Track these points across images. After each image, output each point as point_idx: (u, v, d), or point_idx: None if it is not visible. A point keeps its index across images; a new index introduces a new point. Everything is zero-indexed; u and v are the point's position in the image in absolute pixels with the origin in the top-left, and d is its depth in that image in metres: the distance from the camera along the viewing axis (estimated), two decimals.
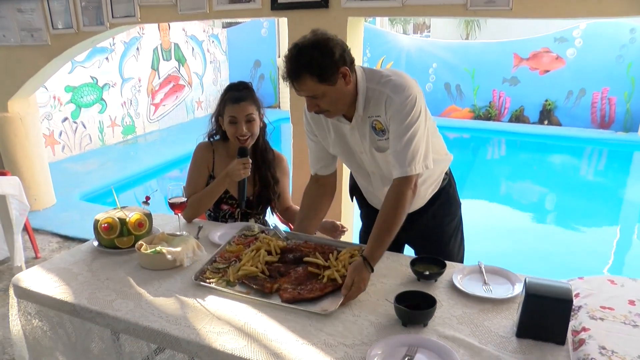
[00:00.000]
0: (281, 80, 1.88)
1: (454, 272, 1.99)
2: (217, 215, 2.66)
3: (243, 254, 2.05)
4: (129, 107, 8.33)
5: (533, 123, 9.26)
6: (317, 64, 1.74)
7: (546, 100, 9.07)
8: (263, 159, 2.64)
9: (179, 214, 2.39)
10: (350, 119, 1.95)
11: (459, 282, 1.93)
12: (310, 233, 2.23)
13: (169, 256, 2.03)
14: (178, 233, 2.36)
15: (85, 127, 7.49)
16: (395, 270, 2.04)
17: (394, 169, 1.87)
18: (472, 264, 2.08)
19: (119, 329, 1.77)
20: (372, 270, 1.80)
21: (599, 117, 8.77)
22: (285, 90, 10.40)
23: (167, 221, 2.56)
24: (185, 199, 2.35)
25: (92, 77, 7.51)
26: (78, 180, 6.16)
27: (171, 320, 1.72)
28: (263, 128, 2.64)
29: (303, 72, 1.76)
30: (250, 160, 2.41)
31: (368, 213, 2.48)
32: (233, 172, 2.39)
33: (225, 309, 1.78)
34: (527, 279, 1.62)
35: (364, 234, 2.57)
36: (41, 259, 4.22)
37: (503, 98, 9.37)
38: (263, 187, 2.64)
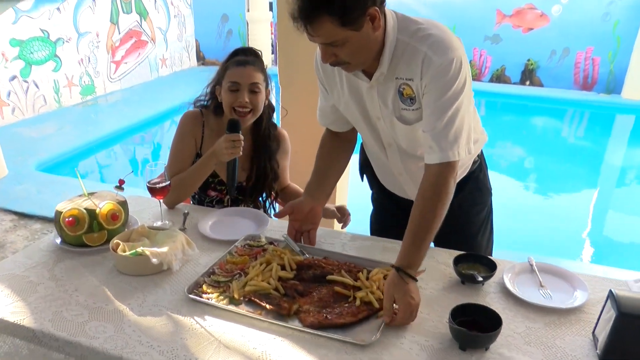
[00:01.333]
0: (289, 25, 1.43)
1: (502, 271, 1.65)
2: (203, 200, 2.23)
3: (249, 266, 1.65)
4: (87, 64, 7.62)
5: (514, 83, 8.97)
6: (340, 1, 1.35)
7: (528, 60, 8.77)
8: (264, 146, 2.20)
9: (161, 200, 1.97)
10: (369, 76, 1.58)
11: (511, 285, 1.60)
12: (327, 197, 1.91)
13: (154, 260, 1.62)
14: (160, 224, 1.95)
15: (37, 86, 6.78)
16: (432, 269, 1.69)
17: (431, 152, 1.53)
18: None
19: None
20: (416, 279, 1.45)
21: (582, 78, 8.54)
22: (256, 45, 9.76)
23: (144, 206, 2.14)
24: (168, 182, 1.91)
25: (42, 30, 6.76)
26: (33, 147, 5.55)
27: (166, 350, 1.33)
28: (269, 109, 2.20)
29: (321, 12, 1.36)
30: (242, 137, 1.97)
31: (379, 197, 2.11)
32: (220, 150, 1.96)
33: (234, 333, 1.40)
34: (613, 292, 1.34)
35: (375, 222, 2.21)
36: None
37: (484, 57, 9.03)
38: (259, 178, 2.21)
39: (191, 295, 1.52)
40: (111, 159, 6.34)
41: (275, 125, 2.25)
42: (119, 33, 8.21)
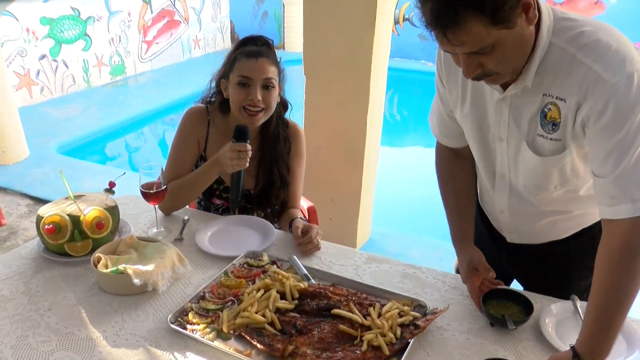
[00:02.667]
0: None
1: (540, 312, 1.40)
2: (209, 208, 2.02)
3: (245, 292, 1.43)
4: (118, 44, 7.51)
5: None
6: None
7: None
8: (273, 149, 1.95)
9: (156, 206, 1.77)
10: (504, 85, 1.27)
11: (550, 334, 1.34)
12: (468, 235, 1.57)
13: (135, 280, 1.42)
14: (155, 232, 1.76)
15: (67, 66, 6.70)
16: (457, 305, 1.45)
17: (615, 203, 1.16)
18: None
19: None
20: None
21: None
22: (292, 28, 9.53)
23: (142, 208, 1.94)
24: (164, 187, 1.71)
25: (72, 9, 6.65)
26: (56, 128, 5.46)
27: None
28: (281, 105, 1.95)
29: (467, 11, 1.04)
30: (250, 148, 1.73)
31: (478, 220, 1.71)
32: (224, 161, 1.73)
33: None
34: None
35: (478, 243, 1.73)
36: (6, 226, 3.61)
37: None
38: (266, 186, 1.97)
39: (174, 326, 1.31)
40: (138, 142, 6.23)
41: (287, 122, 1.97)
42: (152, 12, 8.07)
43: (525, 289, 1.59)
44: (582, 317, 1.37)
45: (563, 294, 1.48)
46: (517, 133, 1.31)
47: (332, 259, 1.68)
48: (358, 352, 1.25)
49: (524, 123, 1.29)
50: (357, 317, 1.35)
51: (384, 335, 1.29)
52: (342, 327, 1.32)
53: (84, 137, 5.39)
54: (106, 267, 1.48)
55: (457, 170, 1.58)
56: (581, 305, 1.42)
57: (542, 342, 1.33)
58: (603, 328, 1.13)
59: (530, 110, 1.26)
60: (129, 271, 1.43)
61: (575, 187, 1.39)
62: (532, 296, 1.49)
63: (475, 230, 1.73)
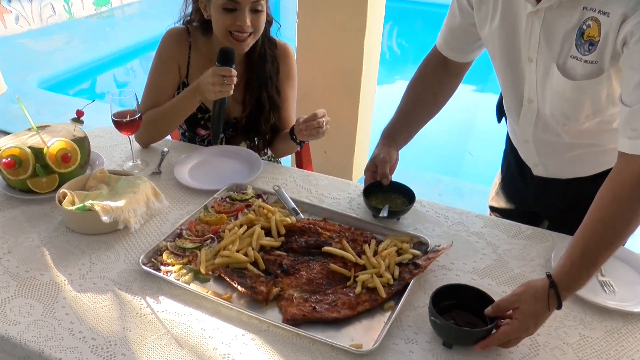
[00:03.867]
0: None
1: (554, 248, 1.28)
2: (194, 139, 1.86)
3: (225, 229, 1.29)
4: None
5: None
6: None
7: None
8: (260, 70, 1.75)
9: (130, 137, 1.60)
10: None
11: None
12: (416, 129, 1.52)
13: (104, 217, 1.27)
14: (131, 165, 1.61)
15: None
16: (462, 241, 1.32)
17: (636, 136, 1.03)
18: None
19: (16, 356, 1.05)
20: (560, 307, 1.01)
21: None
22: None
23: (117, 141, 1.78)
24: (139, 115, 1.54)
25: None
26: (37, 61, 5.18)
27: (100, 346, 1.02)
28: (268, 23, 1.73)
29: None
30: (235, 73, 1.54)
31: (508, 153, 1.61)
32: (205, 86, 1.54)
33: (192, 324, 1.06)
34: None
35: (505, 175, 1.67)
36: None
37: None
38: (255, 111, 1.79)
39: (146, 267, 1.18)
40: (126, 77, 5.96)
41: (275, 42, 1.77)
42: None
43: (550, 227, 1.45)
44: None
45: None
46: (547, 53, 1.17)
47: (323, 191, 1.53)
48: (351, 294, 1.12)
49: (556, 41, 1.14)
50: (350, 255, 1.21)
51: (380, 276, 1.16)
52: (333, 266, 1.18)
53: (67, 71, 5.13)
54: (73, 204, 1.33)
55: (434, 79, 1.49)
56: None
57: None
58: (588, 263, 1.02)
59: (565, 26, 1.12)
60: (97, 207, 1.28)
61: (610, 118, 1.22)
62: (547, 233, 1.36)
63: (503, 161, 1.62)
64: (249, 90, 1.76)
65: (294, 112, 1.85)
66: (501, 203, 1.66)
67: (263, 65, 1.73)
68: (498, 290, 1.19)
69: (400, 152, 1.48)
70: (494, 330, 1.00)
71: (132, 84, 5.64)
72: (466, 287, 1.09)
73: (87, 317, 1.07)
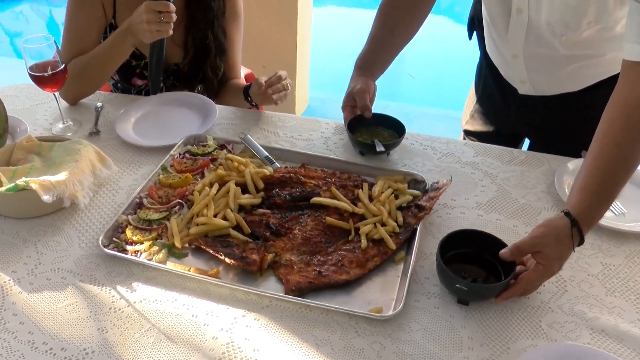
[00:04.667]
0: None
1: (552, 173, 1.20)
2: (128, 91, 1.60)
3: (194, 190, 1.10)
4: None
5: None
6: None
7: None
8: (204, 9, 1.48)
9: (55, 93, 1.34)
10: None
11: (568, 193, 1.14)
12: (392, 56, 1.36)
13: (45, 196, 1.05)
14: (61, 128, 1.37)
15: None
16: (458, 174, 1.21)
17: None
18: None
19: None
20: (582, 242, 0.90)
21: None
22: None
23: (38, 100, 1.50)
24: (63, 67, 1.28)
25: None
26: None
27: (74, 357, 0.83)
28: None
29: None
30: (174, 8, 1.28)
31: (484, 68, 1.47)
32: (138, 26, 1.28)
33: (180, 312, 0.90)
34: None
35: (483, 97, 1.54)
36: None
37: None
38: (198, 55, 1.54)
39: (109, 250, 0.98)
40: (15, 25, 5.29)
41: None
42: None
43: (532, 148, 1.36)
44: None
45: (573, 151, 1.25)
46: None
47: (293, 133, 1.36)
48: (357, 250, 0.98)
49: None
50: (345, 204, 1.06)
51: (383, 225, 1.02)
52: (329, 219, 1.04)
53: None
54: (0, 184, 1.09)
55: (407, 5, 1.32)
56: None
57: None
58: (607, 194, 0.92)
59: None
60: (34, 185, 1.05)
61: (613, 22, 1.09)
62: (541, 157, 1.27)
63: (478, 81, 1.50)
64: (191, 31, 1.51)
65: (240, 58, 1.64)
66: (477, 126, 1.56)
67: (207, 3, 1.47)
68: (508, 224, 1.09)
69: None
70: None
71: (25, 34, 5.02)
72: (473, 232, 0.97)
73: (49, 323, 0.88)
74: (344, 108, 1.30)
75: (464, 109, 1.62)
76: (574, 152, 1.24)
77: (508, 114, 1.43)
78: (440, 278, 0.93)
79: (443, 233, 1.01)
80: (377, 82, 1.34)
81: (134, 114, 1.41)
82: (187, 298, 0.92)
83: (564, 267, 0.91)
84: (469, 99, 1.59)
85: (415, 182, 1.16)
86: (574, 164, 1.20)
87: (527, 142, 1.56)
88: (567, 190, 1.14)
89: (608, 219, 1.08)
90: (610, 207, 1.11)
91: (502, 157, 1.29)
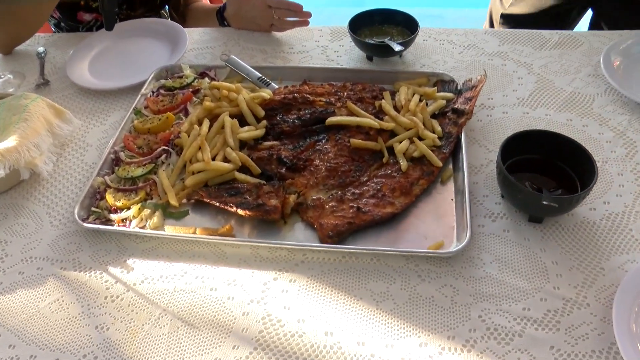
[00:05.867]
0: None
1: (596, 52, 1.04)
2: (76, 30, 1.33)
3: (180, 132, 0.88)
4: None
5: None
6: None
7: None
8: None
9: None
10: None
11: (618, 78, 0.97)
12: None
13: None
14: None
15: None
16: (487, 67, 1.02)
17: None
18: None
19: None
20: None
21: None
22: None
23: None
24: None
25: None
26: None
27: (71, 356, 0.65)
28: None
29: None
30: None
31: None
32: None
33: (193, 288, 0.71)
34: None
35: None
36: None
37: None
38: None
39: (89, 224, 0.78)
40: None
41: None
42: None
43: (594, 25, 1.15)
44: None
45: None
46: None
47: (282, 47, 1.14)
48: (396, 174, 0.79)
49: None
50: (370, 119, 0.86)
51: (420, 139, 0.83)
52: (354, 141, 0.84)
53: None
54: None
55: None
56: None
57: (614, 94, 0.94)
58: None
59: None
60: None
61: None
62: (578, 35, 1.09)
63: None
64: None
65: None
66: (524, 7, 1.32)
67: None
68: (560, 119, 0.92)
69: None
70: None
71: None
72: (533, 134, 0.78)
73: (33, 329, 0.69)
74: None
75: None
76: None
77: None
78: (506, 193, 0.75)
79: (489, 139, 0.83)
80: None
81: (87, 53, 1.16)
82: (200, 268, 0.73)
83: None
84: None
85: (442, 83, 0.95)
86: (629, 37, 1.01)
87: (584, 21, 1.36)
88: (617, 71, 0.96)
89: None
90: None
91: (532, 41, 1.09)
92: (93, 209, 0.81)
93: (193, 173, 0.82)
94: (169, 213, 0.80)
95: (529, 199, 0.71)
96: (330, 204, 0.76)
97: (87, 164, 0.91)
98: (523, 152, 0.77)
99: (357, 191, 0.78)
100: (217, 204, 0.78)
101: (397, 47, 0.98)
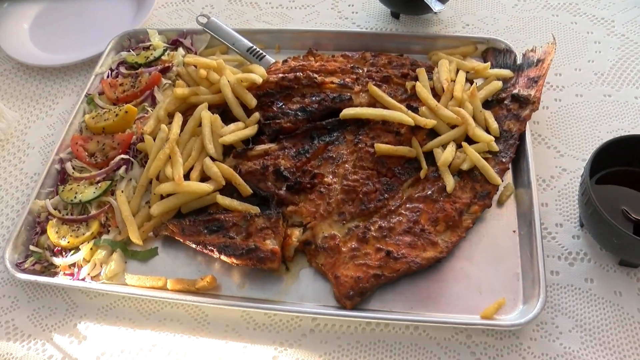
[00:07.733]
0: None
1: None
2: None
3: (142, 132, 0.66)
4: None
5: None
6: None
7: None
8: None
9: None
10: None
11: None
12: None
13: None
14: None
15: None
16: (555, 26, 0.77)
17: None
18: None
19: None
20: None
21: None
22: None
23: None
24: None
25: None
26: None
27: None
28: None
29: None
30: None
31: None
32: None
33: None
34: None
35: None
36: None
37: None
38: None
39: (25, 275, 0.58)
40: None
41: None
42: None
43: None
44: None
45: None
46: None
47: (281, 1, 0.88)
48: (439, 198, 0.58)
49: None
50: (400, 113, 0.63)
51: (477, 138, 0.61)
52: (380, 147, 0.61)
53: None
54: None
55: None
56: None
57: None
58: None
59: None
60: None
61: None
62: None
63: None
64: None
65: None
66: None
67: None
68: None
69: None
70: None
71: None
72: (631, 140, 0.56)
73: None
74: None
75: None
76: None
77: None
78: (594, 232, 0.54)
79: (560, 136, 0.63)
80: None
81: (22, 19, 0.91)
82: (173, 339, 0.53)
83: None
84: None
85: (495, 53, 0.71)
86: None
87: None
88: None
89: None
90: None
91: None
92: (32, 247, 0.61)
93: (161, 197, 0.61)
94: (132, 253, 0.60)
95: (630, 246, 0.49)
96: (348, 245, 0.55)
97: (27, 176, 0.69)
98: (616, 163, 0.55)
99: (385, 224, 0.57)
100: (194, 246, 0.57)
101: (436, 7, 0.72)
